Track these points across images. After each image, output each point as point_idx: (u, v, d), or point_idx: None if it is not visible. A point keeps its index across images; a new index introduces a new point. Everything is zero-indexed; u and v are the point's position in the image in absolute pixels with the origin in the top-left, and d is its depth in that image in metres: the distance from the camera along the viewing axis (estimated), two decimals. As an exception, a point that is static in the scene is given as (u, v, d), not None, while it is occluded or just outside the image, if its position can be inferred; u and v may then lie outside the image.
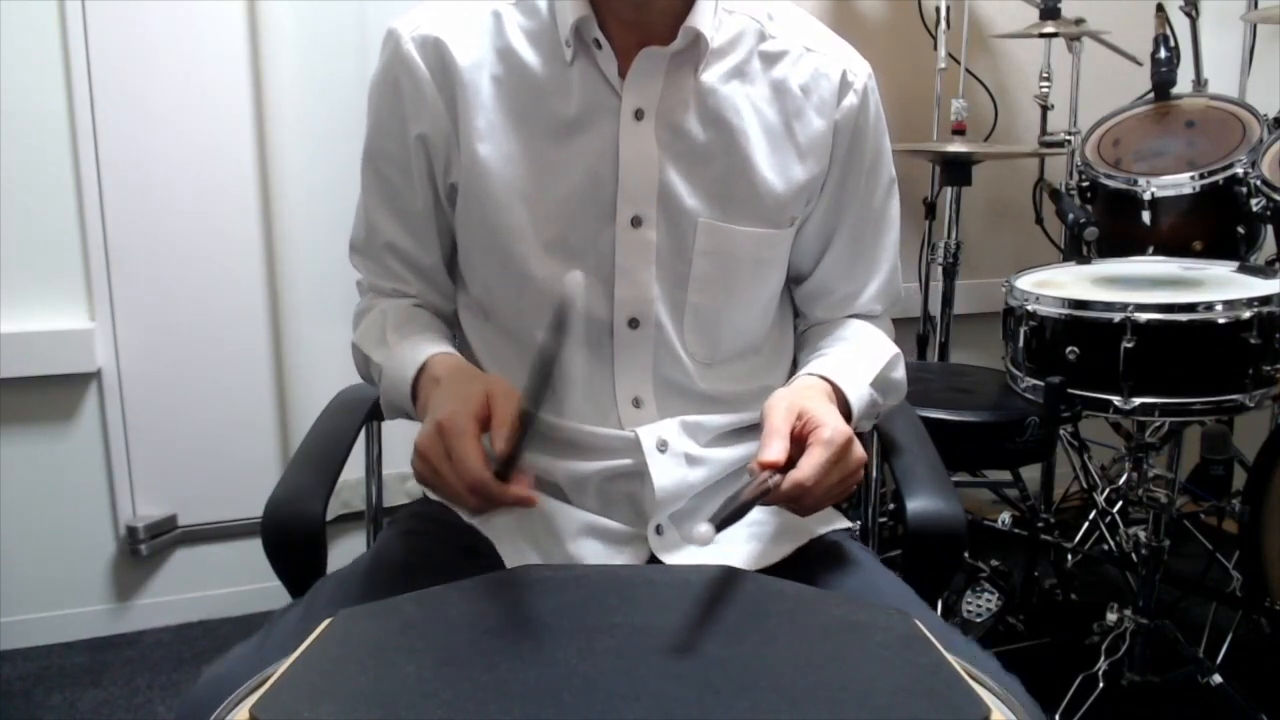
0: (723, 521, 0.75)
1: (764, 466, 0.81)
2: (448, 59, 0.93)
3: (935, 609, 1.03)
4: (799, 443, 0.85)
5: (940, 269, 2.21)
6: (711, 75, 0.94)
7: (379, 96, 0.98)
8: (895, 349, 1.06)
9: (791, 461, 0.83)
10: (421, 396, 0.91)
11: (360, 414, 1.12)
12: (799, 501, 0.84)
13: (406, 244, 1.01)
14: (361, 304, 1.06)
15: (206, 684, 0.77)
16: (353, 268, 1.07)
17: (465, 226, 0.99)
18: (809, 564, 0.96)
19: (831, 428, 0.84)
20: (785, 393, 0.91)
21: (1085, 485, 2.19)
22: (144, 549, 1.99)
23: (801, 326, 1.14)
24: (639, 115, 0.92)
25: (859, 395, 0.97)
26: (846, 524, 1.05)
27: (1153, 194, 1.81)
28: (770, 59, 0.97)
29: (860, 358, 1.02)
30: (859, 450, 0.87)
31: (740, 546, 0.97)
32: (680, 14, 0.91)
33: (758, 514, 1.01)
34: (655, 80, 0.92)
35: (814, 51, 0.98)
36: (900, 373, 1.05)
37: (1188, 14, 2.11)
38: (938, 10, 2.16)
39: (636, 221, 0.94)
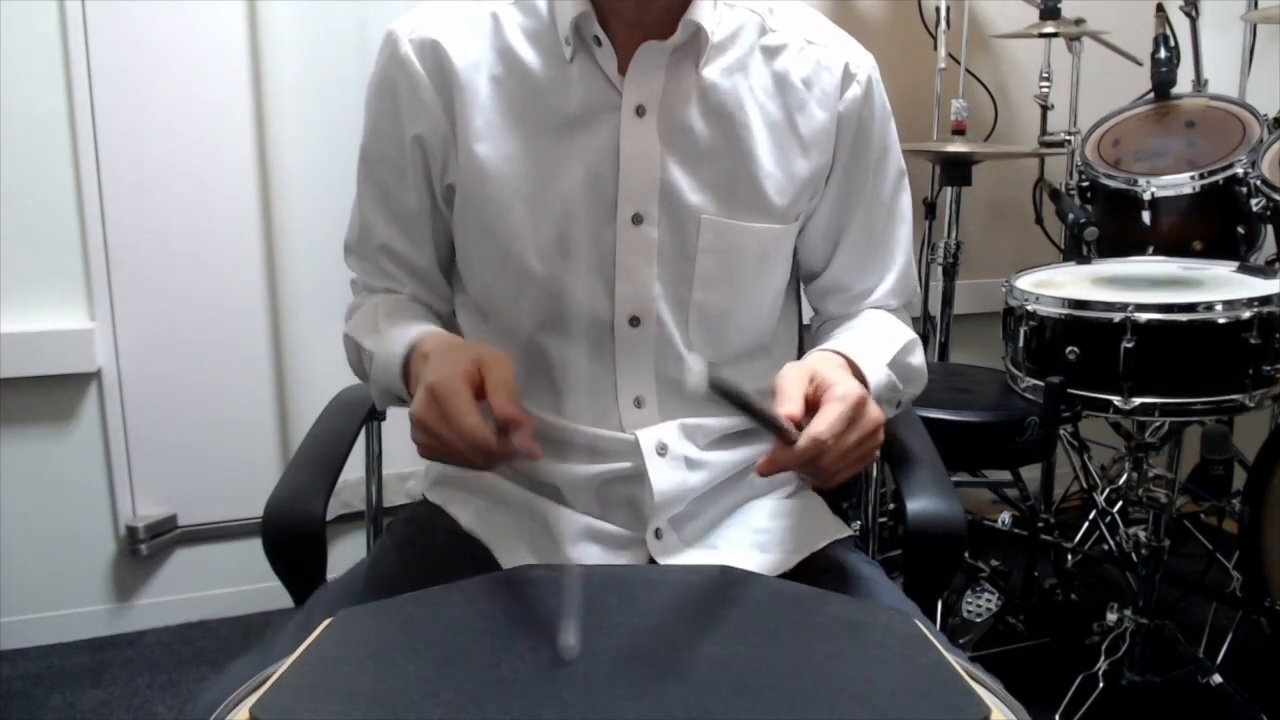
0: (721, 390, 0.71)
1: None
2: (445, 61, 0.93)
3: (935, 610, 1.03)
4: (813, 408, 0.82)
5: (940, 269, 2.21)
6: (713, 70, 0.94)
7: (376, 99, 0.98)
8: (913, 334, 1.04)
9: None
10: (413, 373, 0.90)
11: (360, 414, 1.13)
12: (817, 463, 0.80)
13: (401, 245, 1.01)
14: (355, 300, 1.06)
15: (206, 704, 0.75)
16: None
17: (463, 227, 0.98)
18: (812, 579, 0.95)
19: (845, 385, 0.83)
20: (797, 363, 0.89)
21: (1085, 485, 2.19)
22: (144, 549, 1.99)
23: (816, 322, 1.13)
24: (640, 111, 0.92)
25: (876, 373, 0.94)
26: (849, 532, 1.05)
27: (1153, 194, 1.81)
28: (771, 52, 0.96)
29: (876, 339, 1.00)
30: (875, 410, 0.84)
31: (743, 556, 0.97)
32: (680, 9, 0.90)
33: (762, 522, 1.01)
34: (656, 76, 0.92)
35: (815, 44, 0.98)
36: (918, 359, 1.03)
37: (1188, 14, 2.11)
38: (938, 10, 2.16)
39: (637, 219, 0.93)
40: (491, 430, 0.78)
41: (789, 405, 0.81)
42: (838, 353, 0.94)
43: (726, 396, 0.73)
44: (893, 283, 1.07)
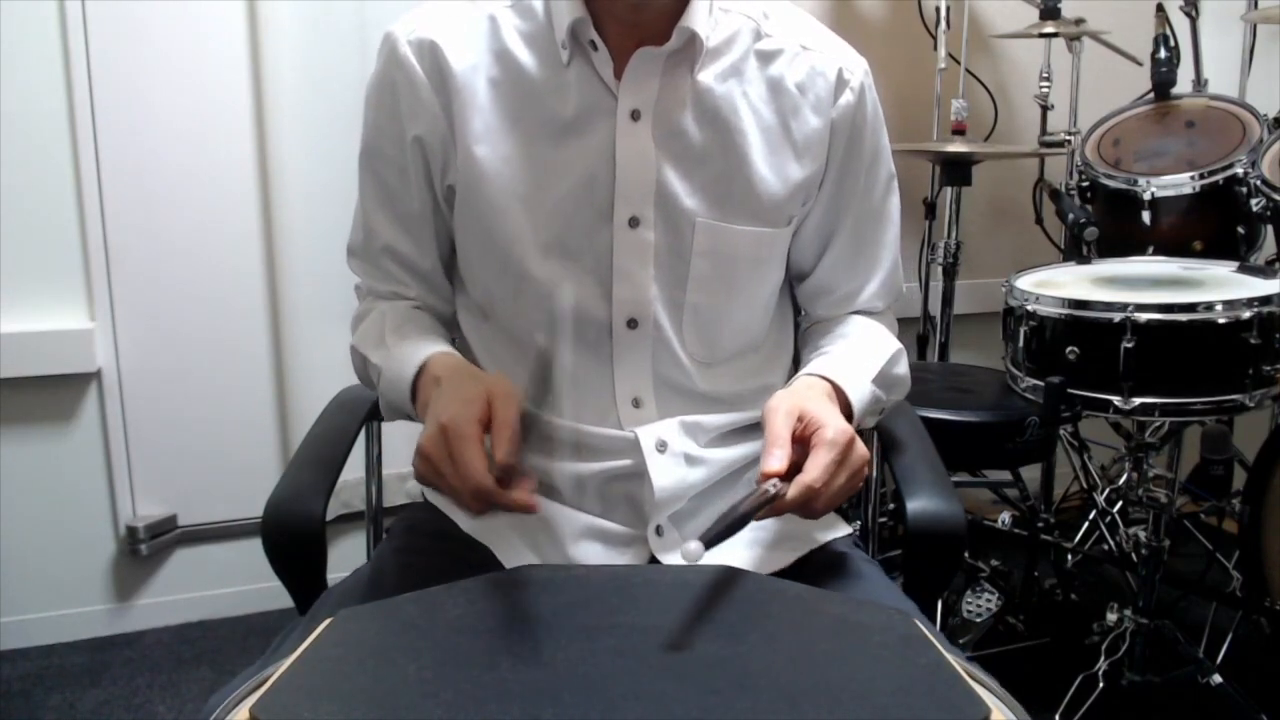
0: (715, 538, 0.75)
1: (767, 476, 0.81)
2: (443, 62, 0.93)
3: (935, 610, 1.03)
4: (801, 445, 0.85)
5: (940, 269, 2.21)
6: (708, 75, 0.94)
7: (376, 99, 0.98)
8: (897, 344, 1.05)
9: (796, 466, 0.83)
10: (422, 396, 0.91)
11: (360, 414, 1.12)
12: (809, 505, 0.83)
13: (405, 247, 1.01)
14: (360, 307, 1.06)
15: (211, 709, 0.75)
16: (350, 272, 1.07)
17: (463, 228, 0.99)
18: (810, 575, 0.96)
19: (834, 428, 0.84)
20: (785, 395, 0.91)
21: (1085, 485, 2.19)
22: (144, 549, 1.99)
23: (804, 324, 1.14)
24: (635, 116, 0.92)
25: (860, 393, 0.97)
26: (848, 530, 1.05)
27: (1153, 194, 1.81)
28: (766, 57, 0.97)
29: (862, 355, 1.02)
30: (862, 448, 0.87)
31: (741, 553, 0.97)
32: (676, 14, 0.91)
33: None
34: (651, 80, 0.92)
35: (810, 50, 0.98)
36: (903, 368, 1.05)
37: (1188, 14, 2.11)
38: (938, 10, 2.16)
39: (634, 222, 0.94)
40: (493, 476, 0.78)
41: (776, 454, 0.82)
42: (823, 377, 0.96)
43: (724, 536, 0.76)
44: (879, 284, 1.08)
